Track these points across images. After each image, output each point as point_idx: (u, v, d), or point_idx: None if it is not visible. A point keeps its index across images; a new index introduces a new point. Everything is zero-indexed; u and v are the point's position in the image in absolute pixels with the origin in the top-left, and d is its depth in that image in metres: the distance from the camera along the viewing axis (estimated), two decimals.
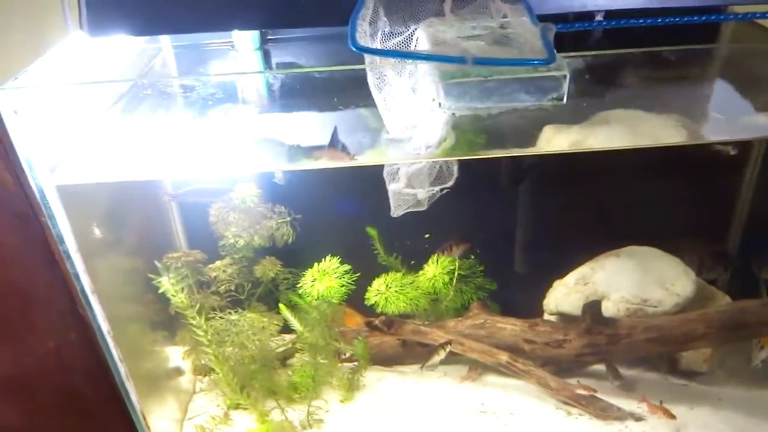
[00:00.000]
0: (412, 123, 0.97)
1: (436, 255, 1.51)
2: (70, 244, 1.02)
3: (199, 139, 1.13)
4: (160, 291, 1.19)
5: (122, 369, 1.21)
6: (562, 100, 0.88)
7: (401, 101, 0.95)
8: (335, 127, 1.14)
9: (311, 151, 1.17)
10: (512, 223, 1.53)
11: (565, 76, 0.85)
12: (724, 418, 1.37)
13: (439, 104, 0.89)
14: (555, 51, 0.84)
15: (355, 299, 1.49)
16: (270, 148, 1.20)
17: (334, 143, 1.14)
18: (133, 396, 1.25)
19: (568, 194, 1.49)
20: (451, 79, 0.86)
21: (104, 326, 1.14)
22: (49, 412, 1.84)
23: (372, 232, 1.47)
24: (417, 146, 0.98)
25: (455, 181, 1.08)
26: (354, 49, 0.82)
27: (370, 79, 0.90)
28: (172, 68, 1.46)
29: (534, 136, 1.10)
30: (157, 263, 1.17)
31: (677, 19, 0.95)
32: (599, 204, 1.47)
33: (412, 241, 1.50)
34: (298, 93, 1.37)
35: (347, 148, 1.12)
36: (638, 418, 1.38)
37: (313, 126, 1.23)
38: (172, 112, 1.15)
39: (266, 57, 1.44)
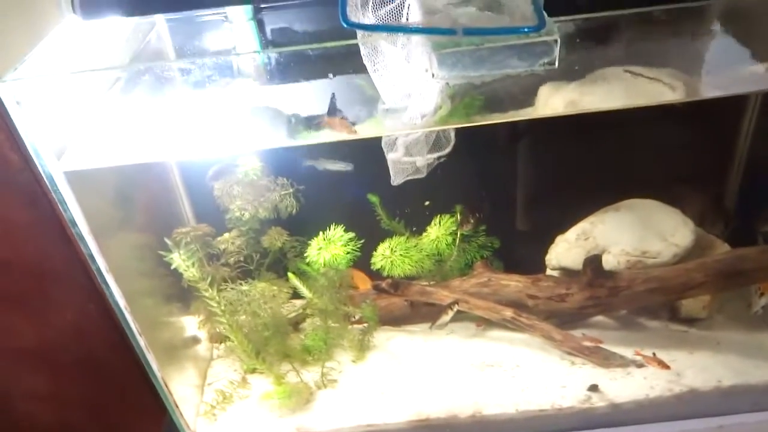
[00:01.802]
0: (407, 92, 0.98)
1: (438, 217, 1.54)
2: (83, 227, 1.06)
3: (200, 116, 1.15)
4: (172, 267, 1.23)
5: (141, 341, 1.26)
6: (554, 64, 0.89)
7: (395, 71, 0.96)
8: (333, 95, 1.15)
9: (311, 120, 1.18)
10: (513, 182, 1.55)
11: (556, 41, 0.86)
12: (723, 362, 1.41)
13: (432, 74, 0.91)
14: (545, 16, 0.84)
15: (361, 265, 1.53)
16: (270, 120, 1.21)
17: (332, 112, 1.15)
18: (154, 365, 1.30)
19: (567, 150, 1.50)
20: (443, 49, 0.88)
21: (121, 302, 1.18)
22: (72, 382, 1.92)
23: (374, 198, 1.49)
24: (413, 116, 0.99)
25: (453, 146, 1.09)
26: (345, 25, 0.83)
27: (363, 51, 0.91)
28: (167, 42, 1.46)
29: (532, 97, 1.10)
30: (167, 240, 1.20)
31: None
32: (600, 158, 1.49)
33: (413, 206, 1.53)
34: (295, 64, 1.38)
35: (345, 117, 1.14)
36: (640, 365, 1.43)
37: (311, 96, 1.23)
38: (171, 90, 1.16)
39: (260, 26, 1.44)
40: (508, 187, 1.57)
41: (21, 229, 1.59)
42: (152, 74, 1.35)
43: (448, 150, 1.09)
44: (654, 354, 1.38)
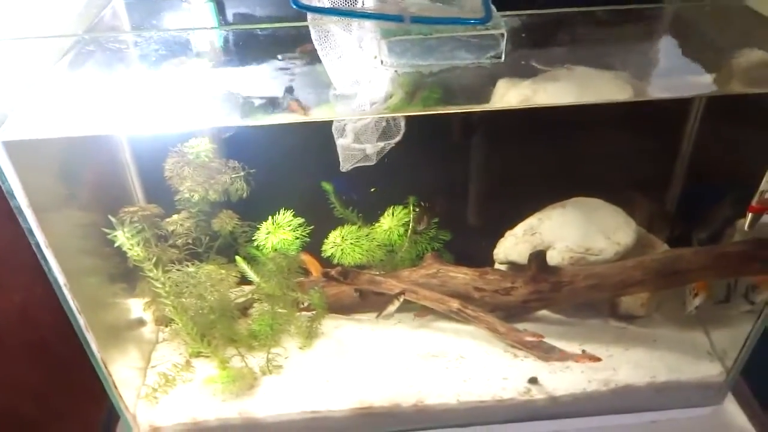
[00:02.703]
0: (358, 79, 0.99)
1: (392, 208, 1.56)
2: (21, 200, 1.03)
3: (152, 92, 1.13)
4: (116, 245, 1.21)
5: (81, 320, 1.24)
6: (500, 58, 0.92)
7: (346, 57, 0.96)
8: (290, 84, 1.15)
9: (273, 102, 1.18)
10: (464, 175, 1.58)
11: (502, 35, 0.88)
12: (657, 358, 1.47)
13: (381, 61, 0.92)
14: (492, 10, 0.86)
15: (312, 251, 1.54)
16: (224, 102, 1.20)
17: (288, 94, 1.15)
18: (93, 345, 1.28)
19: (519, 146, 1.53)
20: (392, 36, 0.89)
21: (60, 279, 1.15)
22: (18, 366, 1.87)
23: (327, 186, 1.50)
24: (362, 102, 1.00)
25: (404, 135, 1.11)
26: (294, 6, 0.83)
27: (314, 35, 0.92)
28: (124, 19, 1.44)
29: (489, 91, 1.12)
30: (111, 217, 1.18)
31: None
32: (550, 157, 1.52)
33: (367, 196, 1.54)
34: (251, 45, 1.37)
35: (300, 101, 1.14)
36: (577, 360, 1.47)
37: (265, 78, 1.22)
38: (123, 66, 1.14)
39: (220, 8, 1.42)
40: (460, 181, 1.59)
41: None
42: (103, 49, 1.34)
43: (397, 138, 1.10)
44: (583, 351, 1.42)
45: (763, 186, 1.11)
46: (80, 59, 1.17)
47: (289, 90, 1.15)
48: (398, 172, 1.31)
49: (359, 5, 0.93)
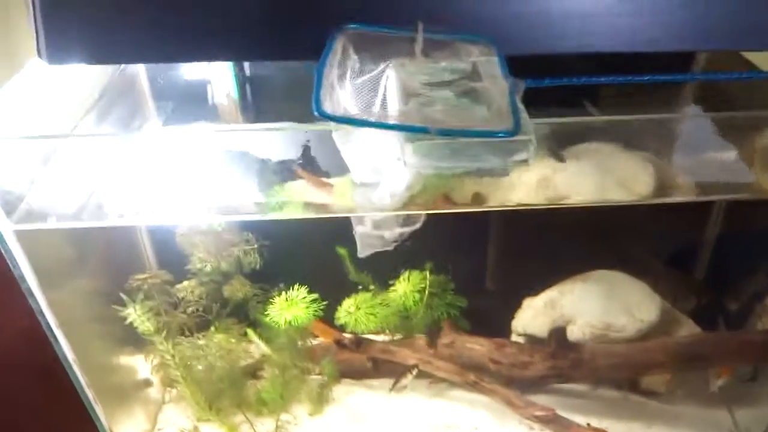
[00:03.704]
0: (378, 168, 0.96)
1: (408, 272, 1.52)
2: (32, 282, 1.01)
3: (168, 170, 1.10)
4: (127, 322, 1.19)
5: (89, 394, 1.22)
6: (527, 163, 0.88)
7: (366, 149, 0.94)
8: (307, 145, 1.12)
9: (284, 166, 1.15)
10: (483, 253, 1.55)
11: (531, 141, 0.85)
12: None
13: (405, 162, 0.89)
14: (521, 118, 0.83)
15: (325, 317, 1.50)
16: (240, 165, 1.17)
17: (305, 161, 1.12)
18: (101, 416, 1.25)
19: (540, 222, 1.49)
20: (416, 140, 0.86)
21: (69, 356, 1.13)
22: (23, 384, 1.83)
23: (342, 251, 1.46)
24: (382, 195, 0.97)
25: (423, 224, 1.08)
26: (317, 115, 0.80)
27: (335, 135, 0.89)
28: (141, 68, 1.41)
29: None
30: (122, 295, 1.16)
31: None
32: (572, 230, 1.48)
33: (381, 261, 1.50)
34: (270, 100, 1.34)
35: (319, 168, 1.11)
36: None
37: (283, 144, 1.20)
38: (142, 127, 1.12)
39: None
40: (479, 248, 1.56)
41: None
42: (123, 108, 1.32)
43: (417, 226, 1.07)
44: (588, 424, 1.38)
45: None
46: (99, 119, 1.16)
47: (306, 155, 1.12)
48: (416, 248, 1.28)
49: (381, 90, 0.90)
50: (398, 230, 1.07)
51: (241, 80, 1.40)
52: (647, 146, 1.11)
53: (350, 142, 0.92)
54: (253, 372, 1.51)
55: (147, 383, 1.54)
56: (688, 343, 1.29)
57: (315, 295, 1.32)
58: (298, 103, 1.07)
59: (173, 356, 1.25)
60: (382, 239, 1.07)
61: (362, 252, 1.08)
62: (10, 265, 0.98)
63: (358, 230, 1.06)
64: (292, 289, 1.31)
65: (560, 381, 1.44)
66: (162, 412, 1.55)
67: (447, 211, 0.98)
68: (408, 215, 1.06)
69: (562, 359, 1.38)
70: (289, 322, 1.27)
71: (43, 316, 1.06)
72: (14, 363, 1.53)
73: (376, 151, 0.92)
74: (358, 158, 0.94)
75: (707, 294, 1.48)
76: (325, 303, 1.33)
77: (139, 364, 1.50)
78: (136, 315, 1.17)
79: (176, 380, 1.35)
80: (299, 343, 1.36)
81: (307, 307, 1.28)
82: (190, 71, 1.39)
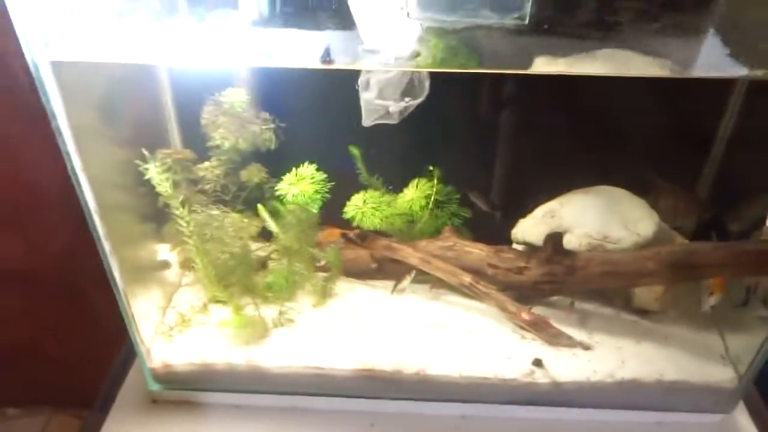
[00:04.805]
0: (385, 33, 1.02)
1: (417, 180, 1.58)
2: (62, 121, 1.10)
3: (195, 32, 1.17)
4: (146, 177, 1.27)
5: (106, 246, 1.28)
6: (524, 20, 0.93)
7: (376, 10, 1.00)
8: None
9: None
10: (490, 153, 1.59)
11: None
12: (667, 356, 1.44)
13: (408, 13, 0.95)
14: None
15: (334, 216, 1.58)
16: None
17: (326, 56, 1.18)
18: (116, 274, 1.33)
19: (549, 131, 1.53)
20: None
21: (91, 204, 1.21)
22: (50, 305, 1.98)
23: (355, 151, 1.53)
24: (387, 57, 1.03)
25: (429, 104, 1.13)
26: None
27: None
28: None
29: (525, 65, 1.12)
30: (144, 151, 1.24)
31: None
32: (580, 139, 1.51)
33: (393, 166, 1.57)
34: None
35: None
36: (586, 347, 1.46)
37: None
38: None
39: None
40: (484, 157, 1.60)
41: (18, 145, 1.64)
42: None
43: (421, 99, 1.13)
44: (572, 303, 1.43)
45: None
46: None
47: (326, 53, 1.18)
48: (423, 143, 1.33)
49: None
50: (402, 103, 1.13)
51: None
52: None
53: None
54: (262, 265, 1.60)
55: (165, 265, 1.65)
56: (682, 252, 1.31)
57: (324, 175, 1.38)
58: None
59: (188, 223, 1.33)
60: (386, 109, 1.13)
61: (366, 120, 1.15)
62: (43, 98, 1.06)
63: (364, 96, 1.12)
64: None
65: (554, 288, 1.47)
66: (177, 293, 1.65)
67: (445, 70, 1.03)
68: (412, 86, 1.12)
69: (557, 264, 1.42)
70: (296, 199, 1.34)
71: (70, 159, 1.14)
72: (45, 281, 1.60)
73: (383, 9, 0.98)
74: (366, 13, 1.00)
75: (709, 212, 1.50)
76: (332, 183, 1.39)
77: (160, 248, 1.60)
78: (156, 173, 1.25)
79: (190, 254, 1.43)
80: (306, 226, 1.43)
81: (314, 184, 1.35)
82: None
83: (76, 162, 1.16)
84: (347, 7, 1.00)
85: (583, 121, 1.47)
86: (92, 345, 1.88)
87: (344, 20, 1.06)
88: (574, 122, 1.48)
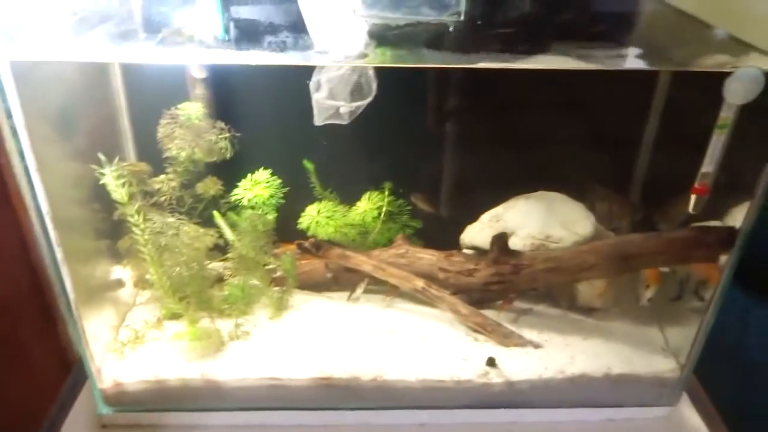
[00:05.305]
0: (334, 34, 1.10)
1: (369, 193, 1.65)
2: (18, 120, 1.11)
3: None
4: (101, 182, 1.28)
5: (58, 253, 1.27)
6: (460, 16, 1.03)
7: (325, 12, 1.08)
8: None
9: None
10: (436, 161, 1.68)
11: None
12: (614, 350, 1.51)
13: (354, 11, 1.03)
14: None
15: (289, 229, 1.62)
16: None
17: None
18: (68, 284, 1.31)
19: (487, 144, 1.64)
20: None
21: (43, 207, 1.20)
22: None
23: (309, 165, 1.59)
24: (337, 57, 1.11)
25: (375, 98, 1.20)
26: None
27: None
28: None
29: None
30: (100, 155, 1.26)
31: None
32: (517, 149, 1.62)
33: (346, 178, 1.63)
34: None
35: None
36: (537, 346, 1.52)
37: None
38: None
39: None
40: (431, 168, 1.69)
41: None
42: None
43: (369, 99, 1.20)
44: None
45: (704, 168, 1.20)
46: None
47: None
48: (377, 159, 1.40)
49: None
50: (354, 104, 1.20)
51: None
52: None
53: None
54: (219, 280, 1.61)
55: (119, 284, 1.63)
56: (617, 243, 1.41)
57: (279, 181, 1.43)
58: None
59: (143, 231, 1.34)
60: (335, 109, 1.20)
61: (318, 119, 1.21)
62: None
63: (315, 97, 1.19)
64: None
65: (502, 289, 1.53)
66: (131, 311, 1.63)
67: (392, 65, 1.11)
68: (360, 88, 1.19)
69: (504, 264, 1.49)
70: (252, 204, 1.37)
71: (23, 158, 1.15)
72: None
73: (332, 6, 1.07)
74: (316, 15, 1.08)
75: (640, 213, 1.61)
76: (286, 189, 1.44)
77: (113, 268, 1.60)
78: (111, 178, 1.27)
79: (144, 267, 1.43)
80: (261, 232, 1.46)
81: (269, 188, 1.39)
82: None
83: (31, 162, 1.17)
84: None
85: (524, 127, 1.58)
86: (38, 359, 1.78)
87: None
88: (516, 130, 1.59)
